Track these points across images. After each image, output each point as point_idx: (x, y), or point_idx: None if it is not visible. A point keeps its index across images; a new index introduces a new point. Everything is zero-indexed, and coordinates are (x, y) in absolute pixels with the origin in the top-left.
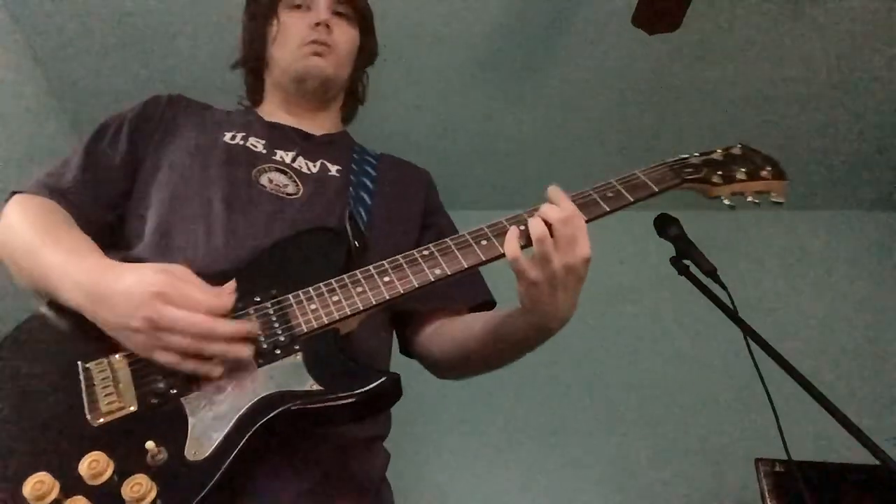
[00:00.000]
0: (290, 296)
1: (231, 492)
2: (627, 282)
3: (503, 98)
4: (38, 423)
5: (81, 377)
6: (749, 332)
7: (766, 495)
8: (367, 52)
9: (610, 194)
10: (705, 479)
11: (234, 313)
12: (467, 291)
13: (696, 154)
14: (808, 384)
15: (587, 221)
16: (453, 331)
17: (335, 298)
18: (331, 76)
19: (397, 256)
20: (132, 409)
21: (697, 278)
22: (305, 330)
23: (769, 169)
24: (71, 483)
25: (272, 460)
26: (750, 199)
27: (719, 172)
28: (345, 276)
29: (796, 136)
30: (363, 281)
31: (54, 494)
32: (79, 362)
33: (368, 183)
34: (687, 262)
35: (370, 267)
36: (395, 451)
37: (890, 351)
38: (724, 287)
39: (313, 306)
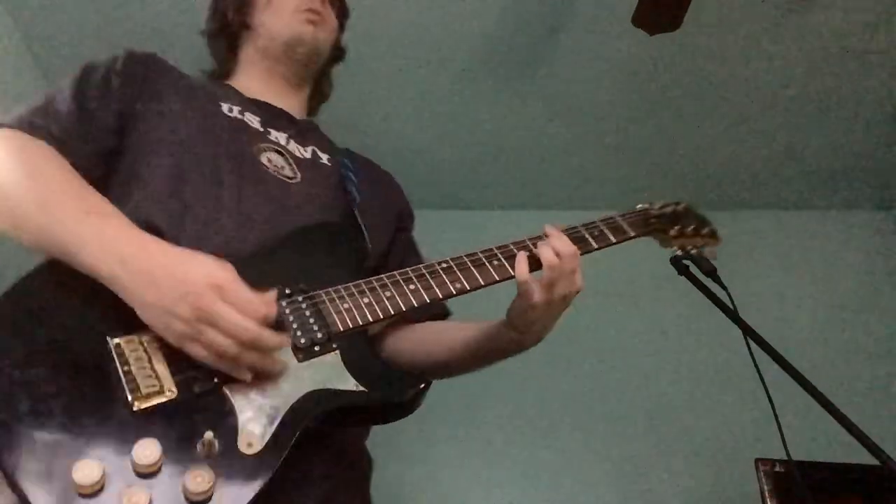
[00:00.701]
0: (322, 292)
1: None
2: (627, 282)
3: (502, 98)
4: (75, 402)
5: (114, 354)
6: (749, 332)
7: (766, 495)
8: (338, 47)
9: (596, 233)
10: (705, 479)
11: None
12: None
13: (656, 206)
14: (808, 384)
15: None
16: (421, 338)
17: (366, 300)
18: (321, 46)
19: (419, 266)
20: (171, 394)
21: (697, 278)
22: (342, 329)
23: (707, 229)
24: (121, 471)
25: (302, 459)
26: (693, 251)
27: (676, 226)
28: (372, 279)
29: (796, 136)
30: (390, 286)
31: (103, 482)
32: (107, 337)
33: (353, 177)
34: (687, 262)
35: (395, 273)
36: (395, 452)
37: (890, 351)
38: (724, 287)
39: (346, 305)
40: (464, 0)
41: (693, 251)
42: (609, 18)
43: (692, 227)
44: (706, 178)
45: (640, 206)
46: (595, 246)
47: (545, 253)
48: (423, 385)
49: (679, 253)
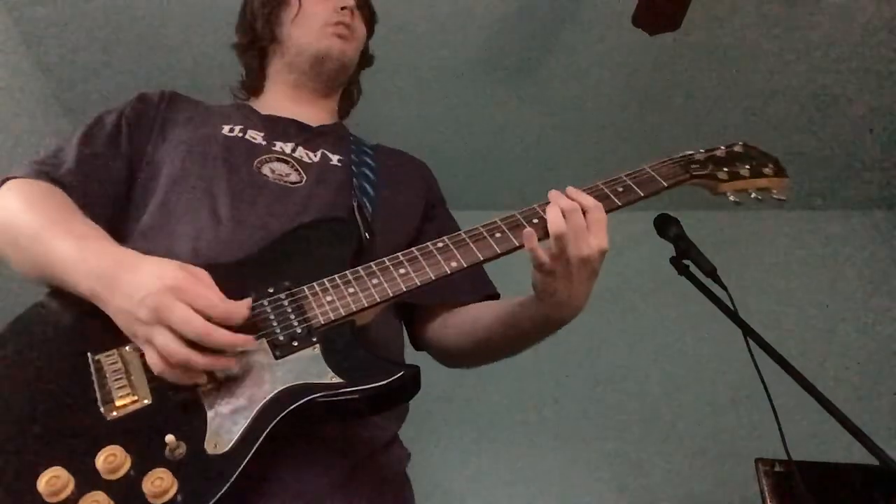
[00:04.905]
0: (304, 287)
1: (254, 486)
2: (627, 282)
3: (504, 98)
4: (49, 416)
5: (92, 369)
6: (749, 332)
7: (766, 495)
8: (367, 54)
9: (620, 189)
10: (705, 479)
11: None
12: (473, 284)
13: (701, 151)
14: (808, 384)
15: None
16: (463, 321)
17: (351, 290)
18: (350, 60)
19: (412, 249)
20: (147, 402)
21: (697, 278)
22: (322, 322)
23: (771, 166)
24: (86, 478)
25: (299, 454)
26: (753, 195)
27: (725, 169)
28: (359, 267)
29: (796, 136)
30: (378, 273)
31: (70, 490)
32: (88, 353)
33: (369, 173)
34: (687, 262)
35: (384, 259)
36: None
37: (890, 351)
38: (724, 287)
39: (329, 298)
40: (464, 1)
41: (754, 195)
42: (609, 18)
43: (747, 166)
44: None
45: (683, 153)
46: (618, 203)
47: (550, 216)
48: (401, 373)
49: (734, 200)
